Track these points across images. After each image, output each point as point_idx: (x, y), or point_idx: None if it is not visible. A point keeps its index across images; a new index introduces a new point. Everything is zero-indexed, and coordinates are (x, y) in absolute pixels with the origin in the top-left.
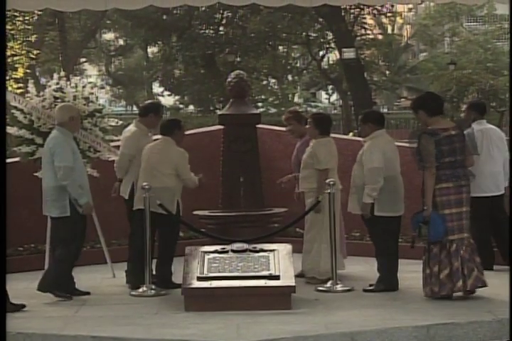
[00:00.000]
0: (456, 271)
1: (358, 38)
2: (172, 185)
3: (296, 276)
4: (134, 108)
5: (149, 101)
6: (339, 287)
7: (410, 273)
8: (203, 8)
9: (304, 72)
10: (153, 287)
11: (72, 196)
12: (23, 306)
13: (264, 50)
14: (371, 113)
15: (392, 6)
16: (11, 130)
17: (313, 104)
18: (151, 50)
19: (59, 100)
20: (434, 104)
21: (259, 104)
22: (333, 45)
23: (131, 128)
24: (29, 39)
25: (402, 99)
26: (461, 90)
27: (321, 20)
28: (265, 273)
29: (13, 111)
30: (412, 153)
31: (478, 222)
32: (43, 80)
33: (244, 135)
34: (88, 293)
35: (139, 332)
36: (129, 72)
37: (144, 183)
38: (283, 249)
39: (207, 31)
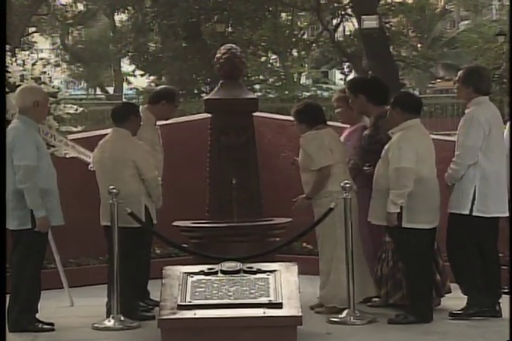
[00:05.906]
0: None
1: (382, 2)
2: (135, 188)
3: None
4: (98, 91)
5: (162, 86)
6: (357, 318)
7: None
8: None
9: (313, 45)
10: (121, 318)
11: (28, 205)
12: None
13: (263, 18)
14: (403, 96)
15: None
16: None
17: (324, 86)
18: (119, 17)
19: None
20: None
21: (257, 87)
22: (349, 11)
23: None
24: None
25: (438, 80)
26: None
27: None
28: (264, 300)
29: None
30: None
31: None
32: None
33: (238, 125)
34: (52, 325)
35: None
36: (91, 46)
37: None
38: (286, 269)
39: None
